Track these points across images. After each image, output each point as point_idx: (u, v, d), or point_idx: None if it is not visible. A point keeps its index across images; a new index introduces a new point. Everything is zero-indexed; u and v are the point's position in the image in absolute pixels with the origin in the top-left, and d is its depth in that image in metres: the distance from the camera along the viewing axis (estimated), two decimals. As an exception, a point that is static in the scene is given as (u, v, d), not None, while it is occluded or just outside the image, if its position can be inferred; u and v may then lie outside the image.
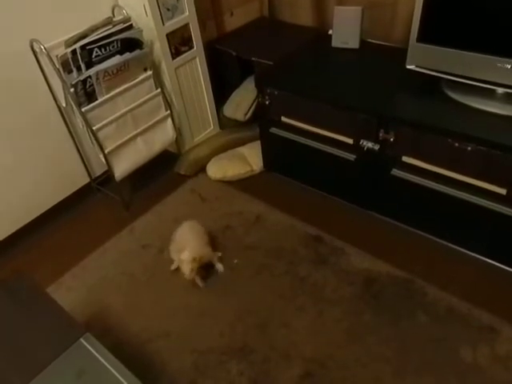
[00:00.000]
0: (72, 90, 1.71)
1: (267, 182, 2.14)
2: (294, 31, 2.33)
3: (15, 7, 1.61)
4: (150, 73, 1.96)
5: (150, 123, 2.03)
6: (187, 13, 1.97)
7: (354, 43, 1.93)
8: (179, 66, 2.05)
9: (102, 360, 1.00)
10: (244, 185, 2.12)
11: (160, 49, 1.93)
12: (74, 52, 1.68)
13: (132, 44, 1.84)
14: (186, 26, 1.99)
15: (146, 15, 1.84)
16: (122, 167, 1.97)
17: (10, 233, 1.92)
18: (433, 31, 1.50)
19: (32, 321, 1.09)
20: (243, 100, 2.26)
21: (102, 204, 2.13)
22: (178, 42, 2.00)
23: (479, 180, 1.46)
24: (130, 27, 1.83)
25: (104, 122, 1.84)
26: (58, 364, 0.99)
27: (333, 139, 1.77)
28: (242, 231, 1.88)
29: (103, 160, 1.90)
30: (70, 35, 1.69)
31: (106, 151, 1.88)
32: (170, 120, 2.11)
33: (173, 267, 1.73)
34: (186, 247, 1.62)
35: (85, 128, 1.82)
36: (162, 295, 1.66)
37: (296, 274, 1.67)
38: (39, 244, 1.95)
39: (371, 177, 1.75)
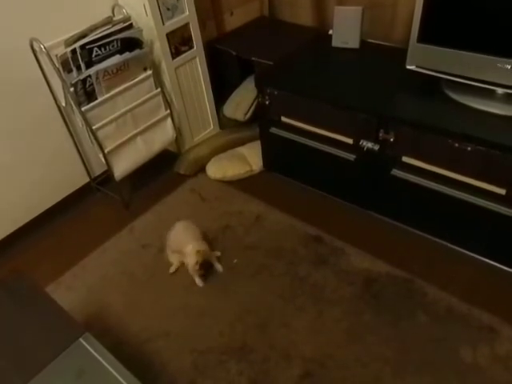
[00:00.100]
0: (72, 89, 1.71)
1: (267, 181, 2.13)
2: (294, 31, 2.33)
3: (15, 6, 1.61)
4: (149, 72, 1.96)
5: (150, 123, 2.03)
6: (187, 12, 1.97)
7: (354, 43, 1.93)
8: (179, 66, 2.05)
9: (102, 360, 1.00)
10: (244, 185, 2.12)
11: (160, 48, 1.93)
12: (73, 51, 1.68)
13: (132, 43, 1.84)
14: (185, 26, 1.99)
15: (146, 15, 1.83)
16: (122, 167, 1.97)
17: (9, 232, 1.92)
18: (433, 31, 1.50)
19: (31, 320, 1.09)
20: (243, 100, 2.25)
21: (102, 204, 2.13)
22: (178, 41, 2.00)
23: (479, 180, 1.46)
24: (130, 27, 1.82)
25: (104, 122, 1.84)
26: (58, 364, 0.98)
27: (333, 139, 1.77)
28: (242, 231, 1.88)
29: (103, 159, 1.90)
30: (70, 34, 1.69)
31: (105, 151, 1.88)
32: (169, 120, 2.11)
33: (172, 270, 1.72)
34: (184, 246, 1.62)
35: (84, 127, 1.82)
36: (162, 295, 1.66)
37: (296, 274, 1.67)
38: (39, 244, 1.94)
39: (371, 177, 1.75)
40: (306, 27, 2.31)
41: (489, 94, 1.50)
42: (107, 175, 2.05)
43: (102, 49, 1.75)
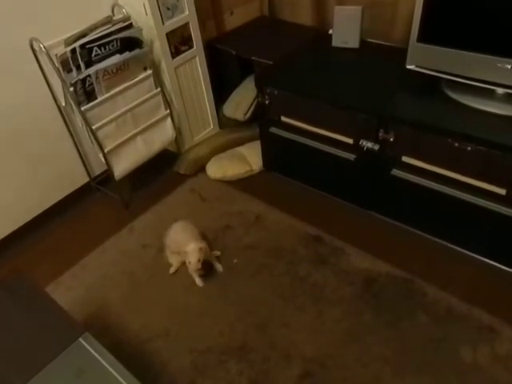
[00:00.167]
0: (71, 89, 1.71)
1: (267, 181, 2.13)
2: (294, 30, 2.33)
3: (15, 5, 1.60)
4: (149, 72, 1.96)
5: (150, 122, 2.03)
6: (187, 12, 1.96)
7: (354, 43, 1.93)
8: (179, 66, 2.05)
9: (101, 360, 1.00)
10: (244, 184, 2.12)
11: (160, 48, 1.93)
12: (73, 51, 1.67)
13: (132, 43, 1.83)
14: (185, 25, 1.99)
15: (146, 14, 1.83)
16: (122, 166, 1.97)
17: (8, 232, 1.92)
18: (433, 31, 1.50)
19: (31, 320, 1.09)
20: (243, 99, 2.25)
21: (102, 203, 2.13)
22: (178, 41, 2.00)
23: (479, 180, 1.46)
24: (130, 26, 1.82)
25: (103, 121, 1.84)
26: (57, 363, 0.98)
27: (332, 139, 1.77)
28: (242, 231, 1.88)
29: (103, 159, 1.90)
30: (70, 34, 1.69)
31: (105, 150, 1.88)
32: (169, 119, 2.10)
33: (171, 270, 1.72)
34: (184, 246, 1.62)
35: (84, 127, 1.82)
36: (162, 295, 1.66)
37: (296, 273, 1.67)
38: (38, 243, 1.94)
39: (371, 177, 1.75)
40: (306, 27, 2.31)
41: (489, 94, 1.49)
42: (107, 175, 2.05)
43: (102, 48, 1.75)
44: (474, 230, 1.59)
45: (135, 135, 1.99)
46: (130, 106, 1.92)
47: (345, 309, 1.53)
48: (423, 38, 1.52)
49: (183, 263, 1.69)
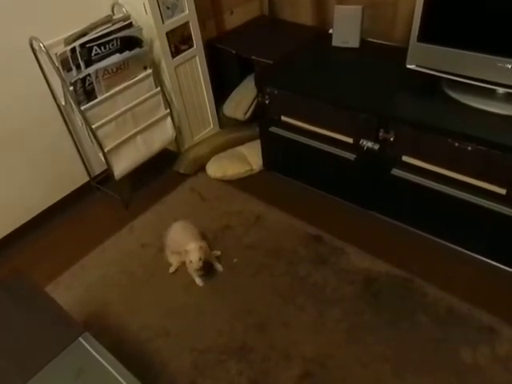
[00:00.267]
0: (71, 88, 1.71)
1: (267, 181, 2.13)
2: (294, 30, 2.32)
3: (15, 5, 1.60)
4: (149, 71, 1.95)
5: (150, 122, 2.02)
6: (187, 11, 1.96)
7: (354, 42, 1.93)
8: (179, 65, 2.05)
9: (101, 359, 1.00)
10: (244, 184, 2.12)
11: (160, 47, 1.93)
12: (73, 50, 1.67)
13: (132, 42, 1.83)
14: (185, 25, 1.99)
15: (146, 13, 1.83)
16: (122, 166, 1.97)
17: (8, 232, 1.92)
18: (433, 31, 1.50)
19: (31, 320, 1.09)
20: (243, 99, 2.25)
21: (102, 203, 2.12)
22: (178, 40, 1.99)
23: (479, 180, 1.46)
24: (130, 25, 1.82)
25: (103, 121, 1.83)
26: (57, 363, 0.98)
27: (333, 139, 1.76)
28: (242, 231, 1.87)
29: (102, 159, 1.90)
30: (70, 33, 1.68)
31: (105, 150, 1.87)
32: (169, 119, 2.10)
33: (171, 270, 1.72)
34: (185, 245, 1.62)
35: (84, 126, 1.82)
36: (162, 294, 1.65)
37: (296, 273, 1.67)
38: (38, 243, 1.94)
39: (371, 176, 1.75)
40: (306, 26, 2.31)
41: (489, 94, 1.49)
42: (107, 174, 2.05)
43: (102, 47, 1.75)
44: (475, 230, 1.59)
45: (135, 134, 1.99)
46: (130, 105, 1.92)
47: (345, 308, 1.53)
48: (423, 37, 1.51)
49: (183, 263, 1.69)
